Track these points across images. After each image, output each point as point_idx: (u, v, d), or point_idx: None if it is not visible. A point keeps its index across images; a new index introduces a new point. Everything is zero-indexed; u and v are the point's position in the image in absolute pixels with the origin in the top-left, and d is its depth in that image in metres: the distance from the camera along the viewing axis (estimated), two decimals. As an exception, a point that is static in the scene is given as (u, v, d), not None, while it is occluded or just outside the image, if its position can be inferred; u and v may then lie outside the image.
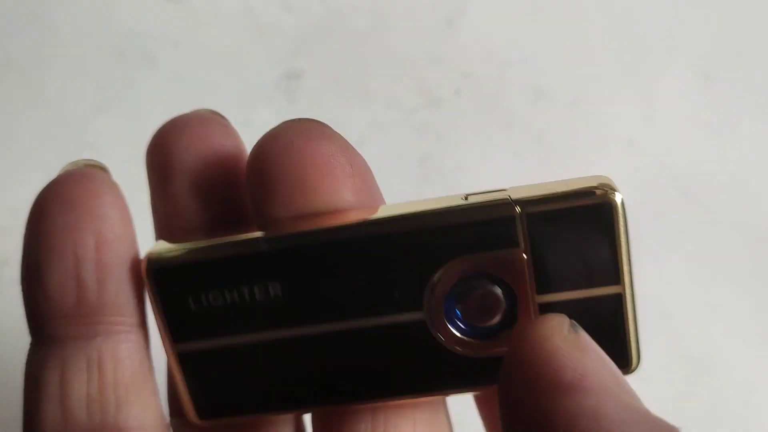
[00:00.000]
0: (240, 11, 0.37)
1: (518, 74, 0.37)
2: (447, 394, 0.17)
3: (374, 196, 0.17)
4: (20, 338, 0.17)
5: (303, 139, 0.16)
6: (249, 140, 0.17)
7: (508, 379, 0.14)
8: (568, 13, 0.38)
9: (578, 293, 0.16)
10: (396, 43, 0.37)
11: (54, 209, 0.16)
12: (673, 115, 0.37)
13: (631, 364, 0.16)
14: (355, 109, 0.37)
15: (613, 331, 0.16)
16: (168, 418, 0.18)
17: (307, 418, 0.20)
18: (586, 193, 0.15)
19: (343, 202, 0.16)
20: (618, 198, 0.15)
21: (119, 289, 0.16)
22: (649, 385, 0.35)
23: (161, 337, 0.17)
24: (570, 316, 0.15)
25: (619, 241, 0.15)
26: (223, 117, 0.19)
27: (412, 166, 0.36)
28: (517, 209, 0.15)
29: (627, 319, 0.16)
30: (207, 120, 0.18)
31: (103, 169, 0.17)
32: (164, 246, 0.17)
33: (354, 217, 0.16)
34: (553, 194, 0.15)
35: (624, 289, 0.16)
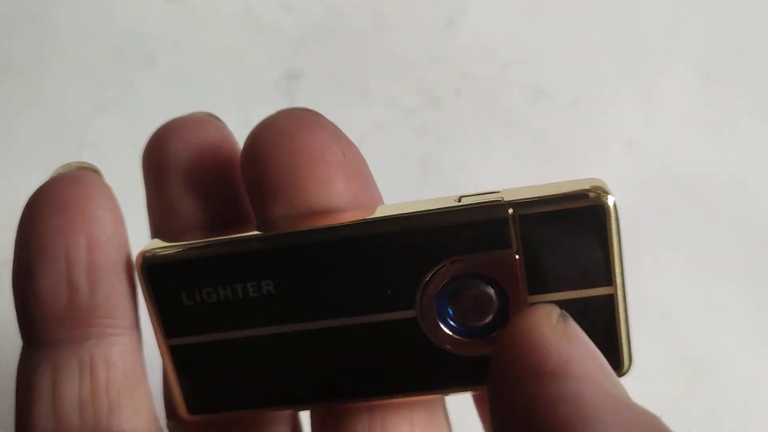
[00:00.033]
0: (240, 11, 0.37)
1: (518, 74, 0.37)
2: (439, 394, 0.17)
3: (368, 186, 0.17)
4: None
5: (296, 127, 0.16)
6: (249, 140, 0.17)
7: (496, 366, 0.15)
8: (568, 13, 0.38)
9: (570, 294, 0.16)
10: (396, 43, 0.37)
11: (46, 212, 0.16)
12: (673, 115, 0.37)
13: (622, 366, 0.16)
14: (355, 109, 0.37)
15: (604, 333, 0.16)
16: (162, 421, 0.18)
17: (306, 419, 0.20)
18: (579, 195, 0.15)
19: (335, 191, 0.16)
20: (610, 200, 0.15)
21: (111, 292, 0.16)
22: (649, 385, 0.35)
23: (154, 332, 0.17)
24: None
25: (612, 243, 0.15)
26: (218, 119, 0.19)
27: (412, 166, 0.36)
28: (510, 211, 0.15)
29: (619, 320, 0.16)
30: (203, 122, 0.18)
31: (95, 171, 0.17)
32: (158, 243, 0.17)
33: (347, 217, 0.16)
34: (545, 196, 0.15)
35: (616, 291, 0.16)
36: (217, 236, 0.17)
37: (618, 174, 0.36)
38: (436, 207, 0.16)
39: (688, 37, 0.38)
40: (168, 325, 0.17)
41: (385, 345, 0.16)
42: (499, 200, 0.16)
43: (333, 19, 0.37)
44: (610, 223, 0.15)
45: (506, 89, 0.37)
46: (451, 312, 0.16)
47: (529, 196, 0.16)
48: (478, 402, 0.20)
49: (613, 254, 0.15)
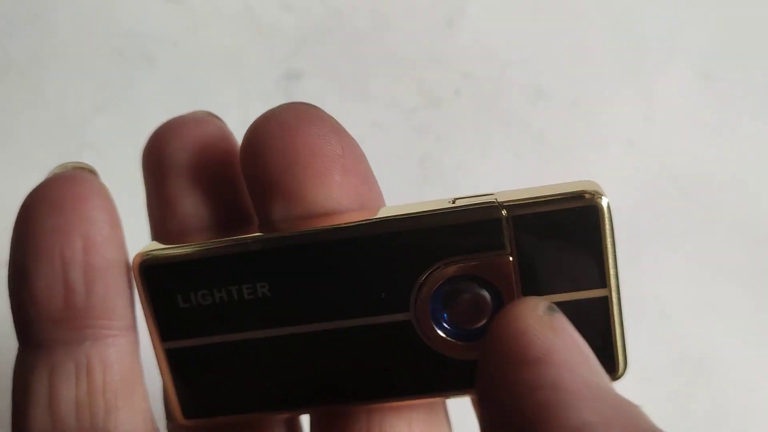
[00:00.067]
0: (240, 11, 0.37)
1: (518, 74, 0.37)
2: (435, 398, 0.17)
3: (367, 180, 0.17)
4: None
5: (295, 121, 0.16)
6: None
7: (483, 355, 0.15)
8: (568, 13, 0.38)
9: (564, 296, 0.16)
10: (396, 43, 0.37)
11: (41, 212, 0.16)
12: (673, 115, 0.37)
13: (617, 370, 0.16)
14: (355, 109, 0.37)
15: (599, 336, 0.16)
16: (162, 422, 0.18)
17: (305, 420, 0.20)
18: (573, 196, 0.15)
19: (333, 183, 0.16)
20: (604, 202, 0.15)
21: (107, 292, 0.16)
22: (649, 385, 0.35)
23: (150, 334, 0.17)
24: None
25: (606, 245, 0.15)
26: (218, 118, 0.19)
27: (412, 166, 0.36)
28: (503, 212, 0.15)
29: (613, 323, 0.16)
30: (203, 121, 0.18)
31: (91, 171, 0.17)
32: (156, 246, 0.17)
33: (342, 219, 0.16)
34: (539, 197, 0.15)
35: (610, 293, 0.16)
36: (215, 238, 0.17)
37: (618, 174, 0.36)
38: (430, 209, 0.16)
39: (688, 37, 0.38)
40: (163, 327, 0.17)
41: (380, 348, 0.16)
42: (493, 202, 0.15)
43: (333, 19, 0.37)
44: (603, 225, 0.15)
45: (506, 89, 0.37)
46: (445, 315, 0.16)
47: (522, 198, 0.15)
48: (477, 404, 0.20)
49: (607, 256, 0.15)
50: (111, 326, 0.16)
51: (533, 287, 0.16)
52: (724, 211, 0.36)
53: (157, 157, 0.18)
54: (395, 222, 0.16)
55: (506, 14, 0.38)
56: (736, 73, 0.37)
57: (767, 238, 0.36)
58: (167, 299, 0.16)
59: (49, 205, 0.16)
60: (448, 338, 0.16)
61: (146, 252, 0.16)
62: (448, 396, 0.17)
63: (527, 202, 0.15)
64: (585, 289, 0.16)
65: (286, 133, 0.16)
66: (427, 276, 0.16)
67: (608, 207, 0.15)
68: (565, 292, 0.16)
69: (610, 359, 0.16)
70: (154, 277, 0.16)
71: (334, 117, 0.17)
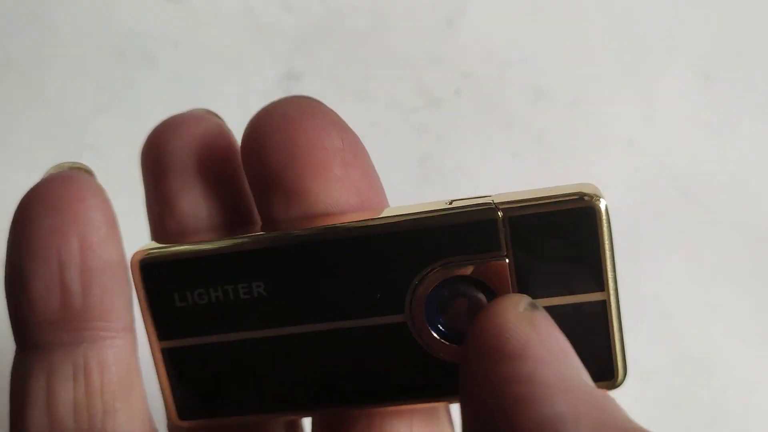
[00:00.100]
0: (240, 11, 0.37)
1: (518, 74, 0.37)
2: (430, 402, 0.17)
3: (368, 175, 0.17)
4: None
5: (296, 113, 0.16)
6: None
7: (464, 349, 0.15)
8: (568, 13, 0.38)
9: (562, 299, 0.16)
10: (396, 44, 0.37)
11: (38, 213, 0.16)
12: (673, 115, 0.37)
13: (617, 377, 0.16)
14: (355, 109, 0.37)
15: (597, 341, 0.16)
16: (162, 423, 0.18)
17: (307, 423, 0.20)
18: (570, 198, 0.15)
19: (332, 176, 0.16)
20: (602, 203, 0.15)
21: (104, 294, 0.16)
22: (649, 385, 0.35)
23: (147, 333, 0.17)
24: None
25: (603, 247, 0.15)
26: (217, 116, 0.19)
27: (412, 166, 0.36)
28: (500, 213, 0.15)
29: (612, 327, 0.16)
30: (201, 119, 0.18)
31: (88, 172, 0.17)
32: (154, 244, 0.17)
33: (340, 219, 0.16)
34: (535, 199, 0.15)
35: (609, 297, 0.15)
36: (213, 237, 0.17)
37: (618, 174, 0.36)
38: (427, 210, 0.16)
39: (688, 37, 0.38)
40: (160, 327, 0.17)
41: (376, 350, 0.16)
42: (489, 203, 0.15)
43: (333, 19, 0.37)
44: (601, 227, 0.15)
45: (506, 89, 0.37)
46: (441, 318, 0.16)
47: (518, 199, 0.15)
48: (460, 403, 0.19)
49: (605, 259, 0.15)
50: (108, 327, 0.16)
51: (530, 289, 0.16)
52: (724, 211, 0.36)
53: (156, 155, 0.18)
54: (391, 223, 0.16)
55: (506, 14, 0.38)
56: (736, 73, 0.37)
57: (767, 238, 0.36)
58: (164, 298, 0.16)
59: (46, 206, 0.16)
60: (443, 341, 0.16)
61: (144, 250, 0.16)
62: (444, 401, 0.17)
63: (524, 203, 0.15)
64: (583, 293, 0.15)
65: (286, 126, 0.16)
66: (422, 277, 0.16)
67: (606, 209, 0.15)
68: (563, 295, 0.16)
69: (609, 366, 0.16)
70: (152, 276, 0.16)
71: (335, 114, 0.17)
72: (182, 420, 0.17)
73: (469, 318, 0.16)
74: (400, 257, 0.16)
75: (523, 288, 0.16)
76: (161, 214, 0.18)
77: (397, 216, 0.16)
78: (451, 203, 0.16)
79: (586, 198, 0.15)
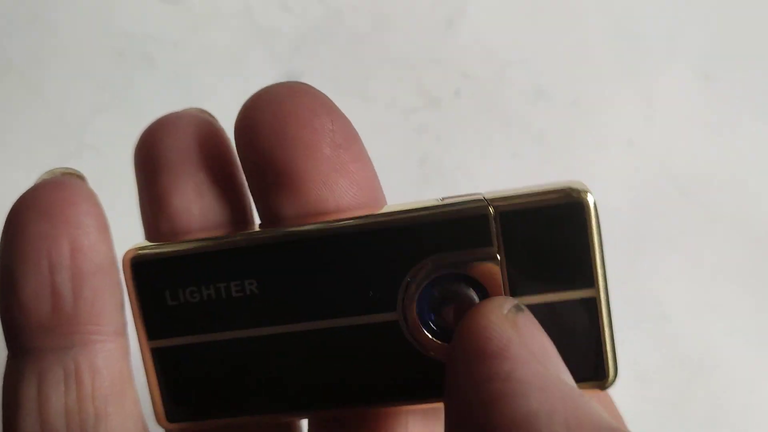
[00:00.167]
0: (240, 11, 0.37)
1: (518, 74, 0.37)
2: (422, 403, 0.17)
3: (359, 159, 0.17)
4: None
5: (286, 95, 0.16)
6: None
7: (450, 352, 0.15)
8: (568, 13, 0.38)
9: (552, 296, 0.16)
10: (396, 44, 0.37)
11: (29, 218, 0.16)
12: (673, 115, 0.37)
13: (607, 376, 0.16)
14: (355, 109, 0.37)
15: (587, 338, 0.16)
16: (158, 426, 0.18)
17: (306, 424, 0.20)
18: (559, 193, 0.15)
19: (321, 156, 0.16)
20: (590, 199, 0.15)
21: (95, 298, 0.16)
22: (649, 385, 0.35)
23: (137, 333, 0.17)
24: (543, 320, 0.15)
25: (593, 243, 0.15)
26: (210, 115, 0.19)
27: (412, 166, 0.36)
28: (491, 209, 0.15)
29: (602, 325, 0.16)
30: (195, 118, 0.18)
31: (79, 177, 0.17)
32: (146, 243, 0.17)
33: (332, 217, 0.16)
34: (525, 195, 0.15)
35: (598, 293, 0.15)
36: (202, 235, 0.16)
37: (618, 174, 0.36)
38: (418, 206, 0.16)
39: (688, 37, 0.38)
40: (151, 326, 0.17)
41: (368, 349, 0.16)
42: (480, 199, 0.15)
43: (333, 20, 0.37)
44: (590, 222, 0.15)
45: (506, 89, 0.37)
46: (433, 316, 0.16)
47: (509, 195, 0.15)
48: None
49: (594, 255, 0.15)
50: (99, 331, 0.16)
51: (521, 286, 0.16)
52: (724, 211, 0.36)
53: (149, 154, 0.18)
54: (382, 220, 0.16)
55: (506, 14, 0.38)
56: (736, 73, 0.37)
57: (767, 238, 0.36)
58: (156, 296, 0.16)
59: (37, 211, 0.16)
60: (435, 340, 0.16)
61: (135, 248, 0.16)
62: (437, 401, 0.16)
63: (514, 199, 0.15)
64: (573, 289, 0.15)
65: (276, 107, 0.16)
66: (414, 274, 0.16)
67: (594, 204, 0.15)
68: (553, 291, 0.16)
69: (600, 365, 0.16)
70: (143, 274, 0.16)
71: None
72: (170, 423, 0.17)
73: (458, 317, 0.16)
74: (392, 254, 0.16)
75: (513, 285, 0.16)
76: (154, 212, 0.18)
77: (388, 213, 0.16)
78: (443, 200, 0.16)
79: (573, 193, 0.15)
